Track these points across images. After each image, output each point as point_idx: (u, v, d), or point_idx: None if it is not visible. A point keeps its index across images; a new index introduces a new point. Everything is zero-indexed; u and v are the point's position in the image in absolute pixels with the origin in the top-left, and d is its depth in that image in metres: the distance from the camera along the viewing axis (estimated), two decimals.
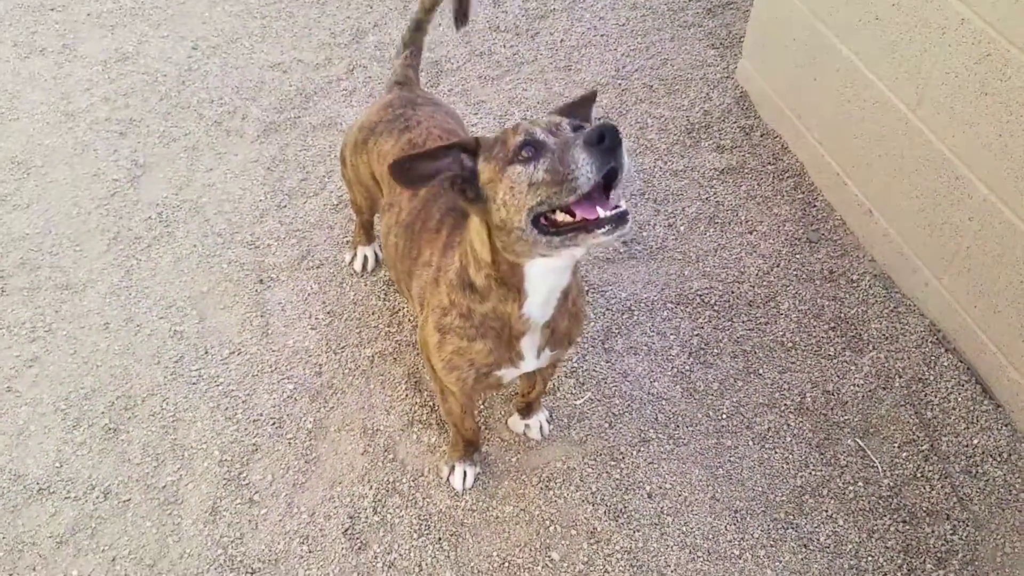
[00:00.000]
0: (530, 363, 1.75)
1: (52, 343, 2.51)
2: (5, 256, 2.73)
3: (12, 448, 2.28)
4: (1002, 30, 2.13)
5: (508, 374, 1.79)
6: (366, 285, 2.67)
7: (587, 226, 1.33)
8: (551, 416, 2.34)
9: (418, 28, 2.43)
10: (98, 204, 2.89)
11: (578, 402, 2.39)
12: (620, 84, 3.40)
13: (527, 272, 1.53)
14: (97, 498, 2.18)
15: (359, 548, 2.09)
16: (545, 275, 1.54)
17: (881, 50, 2.56)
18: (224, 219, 2.85)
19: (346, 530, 2.11)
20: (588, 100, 1.66)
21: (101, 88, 3.34)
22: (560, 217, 1.37)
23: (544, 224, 1.38)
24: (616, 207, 1.32)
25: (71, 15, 3.70)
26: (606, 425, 2.35)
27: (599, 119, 3.23)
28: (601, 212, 1.32)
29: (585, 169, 1.29)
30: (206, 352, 2.48)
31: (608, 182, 1.34)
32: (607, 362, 2.49)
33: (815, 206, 2.95)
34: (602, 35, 3.65)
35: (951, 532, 2.13)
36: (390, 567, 2.06)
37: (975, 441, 2.30)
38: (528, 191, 1.36)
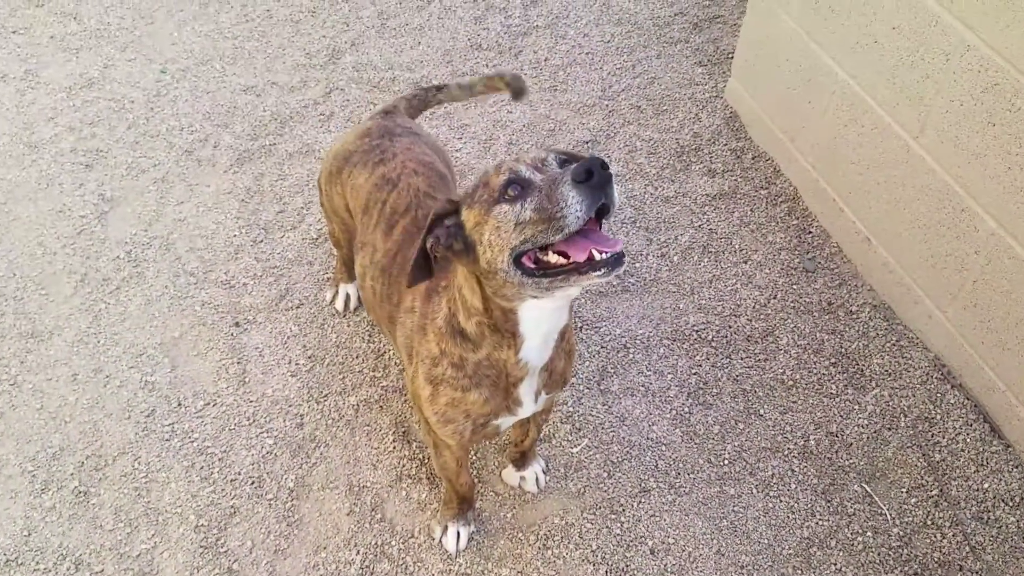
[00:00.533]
0: (528, 409, 1.65)
1: (18, 397, 2.37)
2: None
3: None
4: (1010, 58, 2.04)
5: (506, 422, 1.69)
6: (349, 326, 2.54)
7: (580, 268, 1.25)
8: (547, 466, 2.24)
9: (465, 87, 2.35)
10: (64, 243, 2.75)
11: (575, 450, 2.29)
12: (607, 105, 3.30)
13: (521, 316, 1.43)
14: (68, 570, 2.05)
15: None
16: (540, 318, 1.45)
17: (880, 74, 2.47)
18: (196, 256, 2.72)
19: None
20: (575, 158, 1.54)
21: (66, 116, 3.19)
22: (553, 258, 1.29)
23: (532, 267, 1.30)
24: (612, 249, 1.24)
25: (33, 38, 3.54)
26: (605, 475, 2.24)
27: (587, 143, 3.13)
28: (597, 254, 1.24)
29: (574, 208, 1.22)
30: (179, 404, 2.34)
31: (598, 217, 1.27)
32: (604, 404, 2.38)
33: (810, 233, 2.86)
34: (587, 53, 3.54)
35: None
36: None
37: (986, 485, 2.22)
38: (514, 230, 1.28)
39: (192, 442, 2.27)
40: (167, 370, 2.42)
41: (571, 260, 1.26)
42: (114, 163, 3.02)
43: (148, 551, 2.07)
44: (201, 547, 2.07)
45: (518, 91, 2.34)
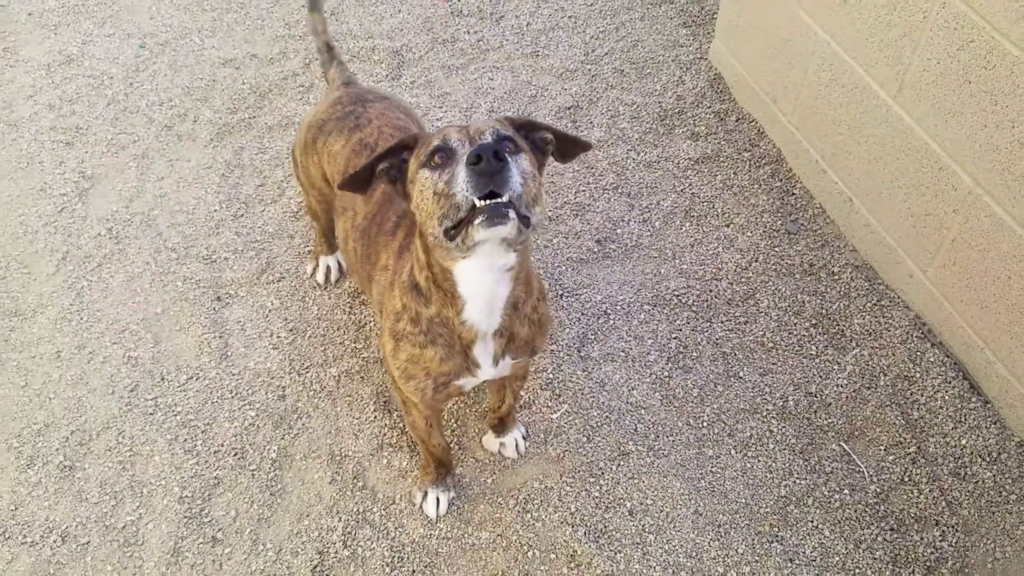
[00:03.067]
0: (488, 371, 1.66)
1: (2, 375, 2.38)
2: None
3: None
4: (985, 15, 2.02)
5: (468, 383, 1.71)
6: (330, 298, 2.55)
7: (472, 218, 1.26)
8: (527, 432, 2.26)
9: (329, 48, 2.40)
10: (45, 222, 2.75)
11: (555, 416, 2.30)
12: (590, 70, 3.27)
13: (456, 276, 1.46)
14: (55, 542, 2.08)
15: None
16: (477, 281, 1.46)
17: (860, 33, 2.45)
18: (178, 232, 2.72)
19: (315, 567, 2.02)
20: (535, 126, 1.53)
21: (45, 94, 3.17)
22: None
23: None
24: (497, 200, 1.24)
25: (10, 15, 3.51)
26: (584, 439, 2.26)
27: (569, 108, 3.11)
28: (478, 202, 1.25)
29: (462, 187, 1.25)
30: (162, 379, 2.36)
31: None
32: (583, 371, 2.39)
33: (793, 195, 2.86)
34: (570, 16, 3.51)
35: (940, 539, 2.07)
36: None
37: (963, 441, 2.23)
38: (433, 199, 1.32)
39: (175, 415, 2.29)
40: (150, 345, 2.44)
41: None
42: (94, 140, 3.01)
43: (133, 522, 2.10)
44: (186, 517, 2.10)
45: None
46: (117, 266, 2.63)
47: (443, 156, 1.33)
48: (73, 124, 3.06)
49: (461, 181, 1.25)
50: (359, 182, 1.48)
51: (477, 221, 1.24)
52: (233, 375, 2.37)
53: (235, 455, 2.21)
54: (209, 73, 3.27)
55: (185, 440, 2.24)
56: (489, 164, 1.21)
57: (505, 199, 1.24)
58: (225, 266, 2.63)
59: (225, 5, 3.58)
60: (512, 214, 1.24)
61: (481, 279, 1.45)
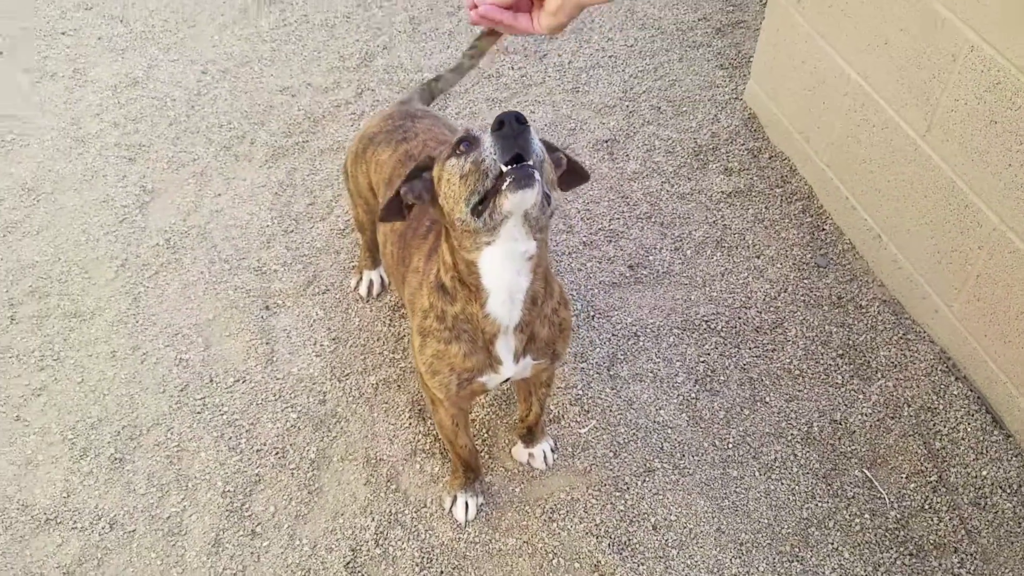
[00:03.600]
0: (509, 368, 1.75)
1: (60, 372, 2.52)
2: (15, 284, 2.75)
3: (20, 478, 2.29)
4: (1011, 58, 2.10)
5: (491, 380, 1.79)
6: (371, 311, 2.67)
7: (498, 188, 1.35)
8: (555, 445, 2.33)
9: (456, 69, 2.47)
10: (107, 231, 2.91)
11: (583, 431, 2.38)
12: (627, 106, 3.40)
13: (481, 267, 1.54)
14: (103, 528, 2.19)
15: None
16: (499, 270, 1.55)
17: (890, 75, 2.54)
18: (231, 245, 2.87)
19: (348, 563, 2.10)
20: (579, 173, 1.68)
21: (111, 113, 3.37)
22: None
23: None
24: (523, 162, 1.33)
25: (82, 39, 3.74)
26: (611, 454, 2.33)
27: (606, 141, 3.23)
28: (504, 168, 1.34)
29: (488, 153, 1.34)
30: (211, 380, 2.48)
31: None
32: (612, 389, 2.47)
33: (824, 230, 2.93)
34: (610, 56, 3.65)
35: (959, 565, 2.10)
36: None
37: (984, 472, 2.27)
38: (460, 182, 1.42)
39: (222, 415, 2.40)
40: (200, 349, 2.57)
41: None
42: (155, 157, 3.19)
43: (178, 513, 2.21)
44: (227, 511, 2.20)
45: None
46: (173, 274, 2.77)
47: (467, 144, 1.43)
48: (136, 142, 3.24)
49: (487, 148, 1.34)
50: (394, 211, 1.60)
51: (504, 186, 1.33)
52: (277, 379, 2.49)
53: (276, 454, 2.32)
54: (266, 99, 3.45)
55: (230, 438, 2.35)
56: (512, 127, 1.31)
57: (530, 163, 1.33)
58: (274, 277, 2.76)
59: (284, 37, 3.77)
60: (537, 176, 1.33)
61: (503, 268, 1.54)
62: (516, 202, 1.35)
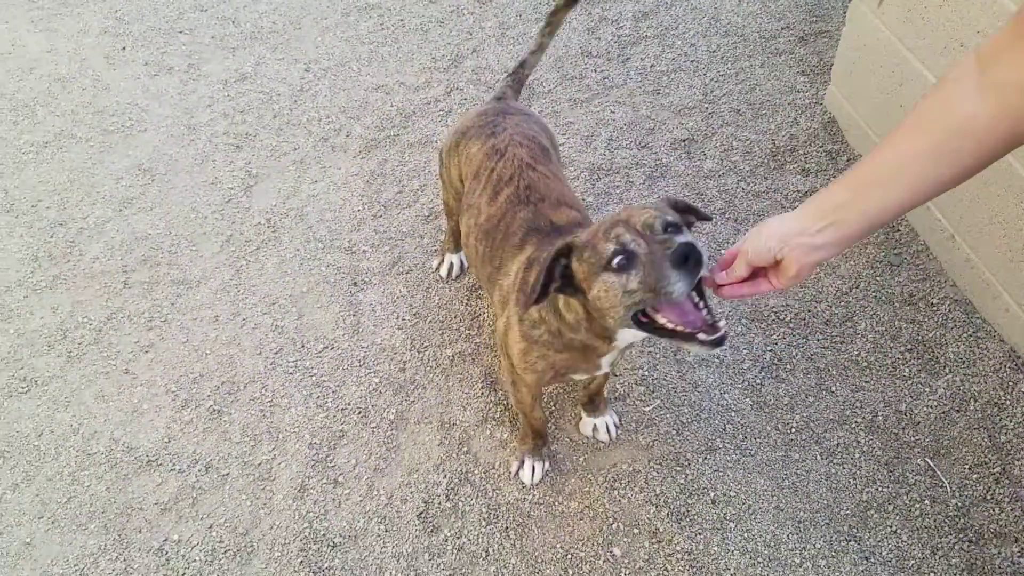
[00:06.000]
0: (603, 370, 1.90)
1: (167, 332, 2.76)
2: (129, 253, 3.02)
3: (127, 424, 2.52)
4: None
5: (581, 374, 1.94)
6: (450, 291, 2.83)
7: (686, 336, 1.46)
8: (620, 420, 2.43)
9: (536, 50, 2.59)
10: (214, 209, 3.16)
11: (647, 408, 2.48)
12: (707, 108, 3.49)
13: (618, 333, 1.69)
14: (199, 471, 2.39)
15: (431, 531, 2.22)
16: (633, 333, 1.65)
17: None
18: (325, 227, 3.08)
19: (420, 514, 2.25)
20: (696, 214, 1.73)
21: (221, 105, 3.65)
22: (660, 320, 1.50)
23: (643, 320, 1.52)
24: (716, 330, 1.44)
25: (197, 38, 4.05)
26: (674, 432, 2.42)
27: (684, 140, 3.33)
28: (703, 336, 1.45)
29: (678, 286, 1.41)
30: (302, 346, 2.68)
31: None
32: (678, 372, 2.56)
33: (899, 231, 2.96)
34: (692, 61, 3.75)
35: (1019, 555, 2.10)
36: (459, 550, 2.19)
37: None
38: (623, 296, 1.50)
39: (311, 376, 2.59)
40: (294, 318, 2.77)
41: (678, 327, 1.48)
42: (260, 146, 3.44)
43: (268, 461, 2.40)
44: (313, 461, 2.38)
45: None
46: (272, 250, 3.00)
47: (623, 260, 1.49)
48: (243, 131, 3.50)
49: (675, 279, 1.40)
50: (540, 296, 1.60)
51: (697, 346, 1.46)
52: (362, 347, 2.66)
53: (359, 413, 2.49)
54: (362, 96, 3.67)
55: (318, 397, 2.53)
56: (695, 261, 1.40)
57: (723, 330, 1.45)
58: (363, 257, 2.95)
59: (381, 39, 4.00)
60: (727, 341, 1.47)
61: (636, 331, 1.61)
62: (696, 352, 1.47)
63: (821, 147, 3.28)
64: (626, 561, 2.16)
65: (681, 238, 1.47)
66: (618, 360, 1.86)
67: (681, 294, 1.42)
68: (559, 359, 1.84)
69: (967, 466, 2.29)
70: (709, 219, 1.77)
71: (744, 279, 1.45)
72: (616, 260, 1.49)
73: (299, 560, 2.20)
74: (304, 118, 3.58)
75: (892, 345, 2.60)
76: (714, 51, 3.80)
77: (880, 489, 2.27)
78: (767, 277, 1.44)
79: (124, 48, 4.00)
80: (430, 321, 2.74)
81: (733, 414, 2.46)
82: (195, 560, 2.22)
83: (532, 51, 2.57)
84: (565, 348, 1.81)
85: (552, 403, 2.50)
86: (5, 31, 4.14)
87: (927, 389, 2.48)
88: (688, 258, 1.39)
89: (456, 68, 3.80)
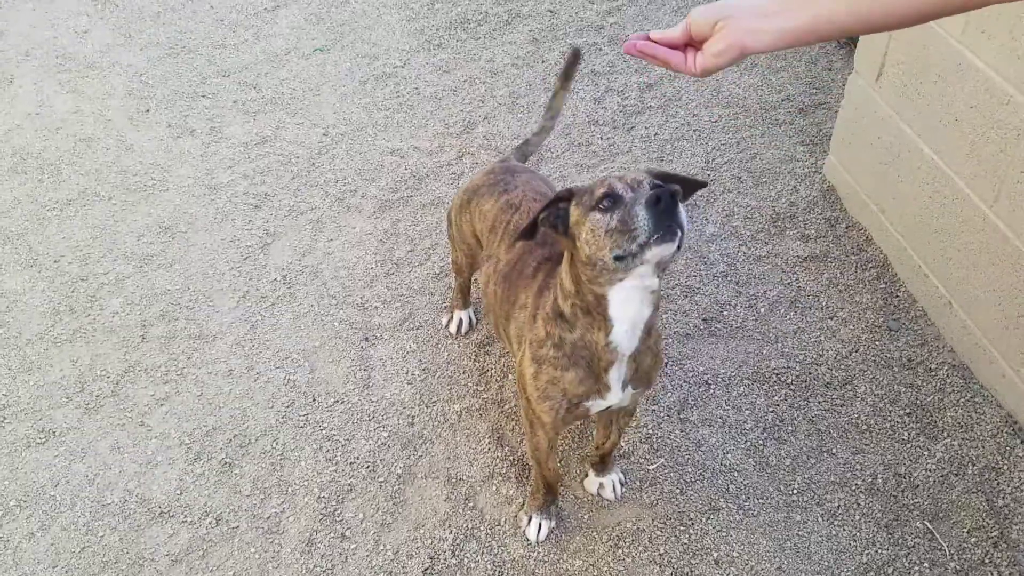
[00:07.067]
0: (615, 395, 1.90)
1: (182, 385, 2.83)
2: (148, 308, 3.11)
3: (140, 475, 2.58)
4: None
5: (595, 406, 1.95)
6: (459, 347, 2.90)
7: (648, 244, 1.53)
8: (625, 478, 2.48)
9: (539, 132, 2.77)
10: (232, 266, 3.26)
11: (651, 467, 2.52)
12: (709, 175, 3.60)
13: (610, 299, 1.72)
14: (210, 523, 2.44)
15: None
16: (626, 303, 1.71)
17: (960, 149, 2.68)
18: (339, 283, 3.17)
19: (426, 569, 2.28)
20: (695, 184, 1.83)
21: (241, 166, 3.78)
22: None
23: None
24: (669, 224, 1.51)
25: (219, 102, 4.21)
26: (677, 491, 2.46)
27: (687, 205, 3.43)
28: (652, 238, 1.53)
29: (643, 224, 1.51)
30: (314, 400, 2.74)
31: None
32: (682, 431, 2.61)
33: (897, 296, 3.03)
34: (695, 130, 3.88)
35: None
36: None
37: None
38: (605, 235, 1.59)
39: (322, 430, 2.65)
40: (307, 372, 2.84)
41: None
42: (278, 205, 3.56)
43: (277, 514, 2.44)
44: (321, 515, 2.42)
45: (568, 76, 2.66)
46: (287, 306, 3.08)
47: (610, 200, 1.60)
48: (262, 191, 3.62)
49: (641, 218, 1.51)
50: (527, 233, 1.76)
51: (653, 239, 1.51)
52: (372, 402, 2.73)
53: (367, 467, 2.54)
54: (377, 159, 3.80)
55: (327, 451, 2.59)
56: (667, 204, 1.49)
57: (675, 228, 1.51)
58: (375, 313, 3.04)
59: (396, 106, 4.15)
60: (679, 232, 1.51)
61: (630, 301, 1.71)
62: (659, 252, 1.53)
63: (820, 214, 3.38)
64: None
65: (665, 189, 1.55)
66: (627, 382, 1.88)
67: (646, 231, 1.50)
68: (568, 381, 1.88)
69: (965, 529, 2.33)
70: (704, 184, 1.87)
71: (674, 44, 1.34)
72: (604, 200, 1.60)
73: None
74: (321, 179, 3.70)
75: (891, 408, 2.66)
76: (716, 121, 3.94)
77: (880, 551, 2.30)
78: (690, 55, 1.35)
79: (148, 110, 4.16)
80: (439, 376, 2.81)
81: (736, 474, 2.50)
82: None
83: (536, 133, 2.72)
84: (571, 363, 1.86)
85: (559, 459, 2.55)
86: (33, 92, 4.31)
87: (926, 452, 2.52)
88: (660, 200, 1.48)
89: (468, 134, 3.94)
